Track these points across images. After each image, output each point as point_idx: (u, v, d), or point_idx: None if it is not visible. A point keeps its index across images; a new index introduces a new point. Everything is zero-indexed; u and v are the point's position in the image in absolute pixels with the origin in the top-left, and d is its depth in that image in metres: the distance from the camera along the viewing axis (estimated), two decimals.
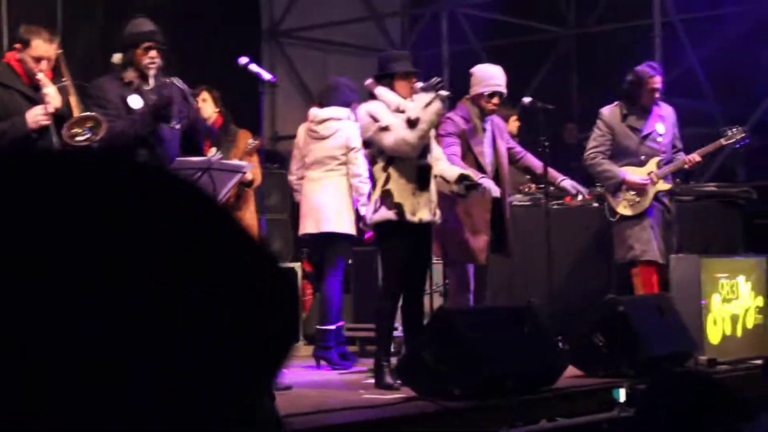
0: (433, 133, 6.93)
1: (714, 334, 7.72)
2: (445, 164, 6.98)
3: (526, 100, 8.20)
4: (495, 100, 7.67)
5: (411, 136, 6.57)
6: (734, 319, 7.92)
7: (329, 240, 8.02)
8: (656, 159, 8.34)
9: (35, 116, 6.16)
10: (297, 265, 10.55)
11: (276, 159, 12.61)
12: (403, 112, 6.68)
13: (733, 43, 13.11)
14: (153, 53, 6.63)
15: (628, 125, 8.37)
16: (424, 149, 6.76)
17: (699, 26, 12.87)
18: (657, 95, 8.39)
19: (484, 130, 7.71)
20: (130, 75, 6.61)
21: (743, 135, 8.51)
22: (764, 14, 13.28)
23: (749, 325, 8.04)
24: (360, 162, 7.67)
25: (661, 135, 8.36)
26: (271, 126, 14.00)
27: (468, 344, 6.06)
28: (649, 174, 8.28)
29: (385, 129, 6.61)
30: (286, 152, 14.01)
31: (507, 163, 7.84)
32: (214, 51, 11.16)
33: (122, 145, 6.40)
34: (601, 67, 13.55)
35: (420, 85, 6.76)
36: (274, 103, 13.86)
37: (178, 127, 6.57)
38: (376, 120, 6.65)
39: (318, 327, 8.11)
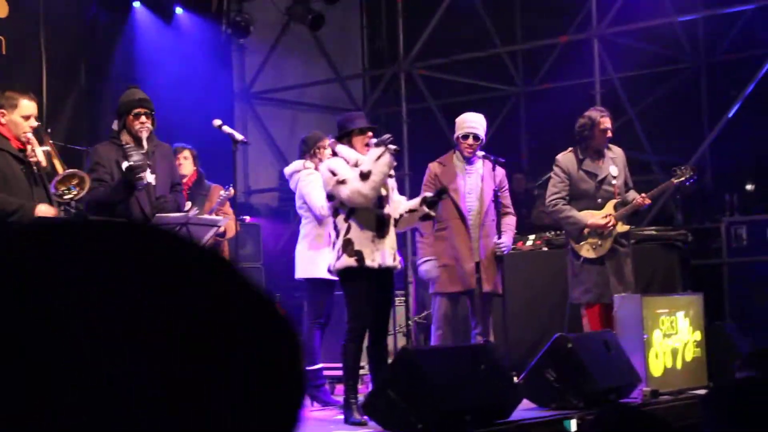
0: (393, 184, 6.96)
1: (656, 367, 7.72)
2: (407, 202, 7.04)
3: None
4: (469, 141, 8.00)
5: (364, 187, 6.61)
6: (674, 353, 7.93)
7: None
8: (613, 201, 8.31)
9: (43, 212, 6.21)
10: None
11: (249, 211, 12.61)
12: None
13: (666, 98, 13.29)
14: (143, 118, 6.85)
15: (584, 170, 8.31)
16: (383, 199, 6.78)
17: (636, 82, 13.03)
18: (608, 136, 8.37)
19: (466, 170, 8.02)
20: (125, 138, 6.85)
21: (691, 173, 8.48)
22: (691, 73, 13.46)
23: (688, 358, 8.05)
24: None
25: (614, 177, 8.34)
26: (245, 180, 13.99)
27: (429, 381, 6.03)
28: (607, 216, 8.26)
29: (342, 182, 6.65)
30: (259, 205, 14.05)
31: (491, 207, 7.96)
32: (191, 112, 11.15)
33: (105, 206, 6.62)
34: (546, 122, 13.68)
35: (374, 140, 6.80)
36: (246, 160, 13.86)
37: (143, 185, 6.68)
38: (335, 174, 6.70)
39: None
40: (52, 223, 1.00)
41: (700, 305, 8.32)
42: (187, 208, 8.46)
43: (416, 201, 6.96)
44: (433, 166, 8.11)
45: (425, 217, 6.95)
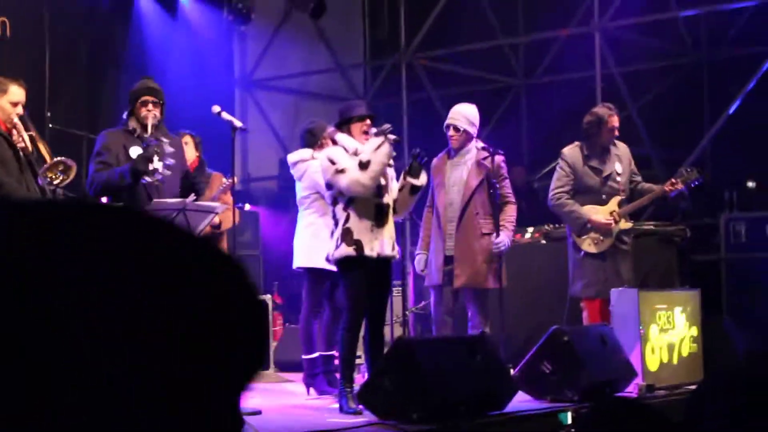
0: (392, 173, 6.95)
1: (652, 361, 7.73)
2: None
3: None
4: (450, 132, 8.01)
5: (363, 177, 6.62)
6: (671, 348, 7.93)
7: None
8: (617, 198, 8.32)
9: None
10: (268, 297, 10.54)
11: (248, 199, 12.61)
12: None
13: (667, 93, 13.27)
14: (150, 106, 6.93)
15: (589, 166, 8.30)
16: (382, 188, 6.78)
17: (637, 77, 13.01)
18: (615, 134, 8.37)
19: (453, 163, 8.02)
20: (133, 124, 6.96)
21: (697, 175, 8.47)
22: (690, 66, 13.45)
23: (684, 353, 8.05)
24: None
25: (619, 174, 8.35)
26: (244, 168, 13.98)
27: (424, 372, 6.04)
28: (611, 213, 8.27)
29: (341, 171, 6.65)
30: (258, 192, 14.04)
31: (478, 200, 7.89)
32: (191, 99, 11.13)
33: (108, 190, 6.71)
34: (547, 115, 13.67)
35: (374, 130, 6.80)
36: (246, 147, 13.85)
37: (159, 178, 6.68)
38: (333, 163, 6.69)
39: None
40: (53, 210, 1.00)
41: (698, 301, 8.32)
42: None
43: (401, 177, 6.95)
44: (435, 160, 8.14)
45: (413, 189, 6.91)
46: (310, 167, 7.66)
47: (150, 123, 6.85)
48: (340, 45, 14.76)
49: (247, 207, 11.78)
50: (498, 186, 7.91)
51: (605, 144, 8.30)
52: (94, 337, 0.93)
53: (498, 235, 7.86)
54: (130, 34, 11.90)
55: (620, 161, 8.38)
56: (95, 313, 0.93)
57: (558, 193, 8.34)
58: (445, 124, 8.08)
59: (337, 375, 7.07)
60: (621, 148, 8.45)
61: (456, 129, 7.96)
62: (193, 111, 10.28)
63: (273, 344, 10.27)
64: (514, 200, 8.07)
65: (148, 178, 6.66)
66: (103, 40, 11.49)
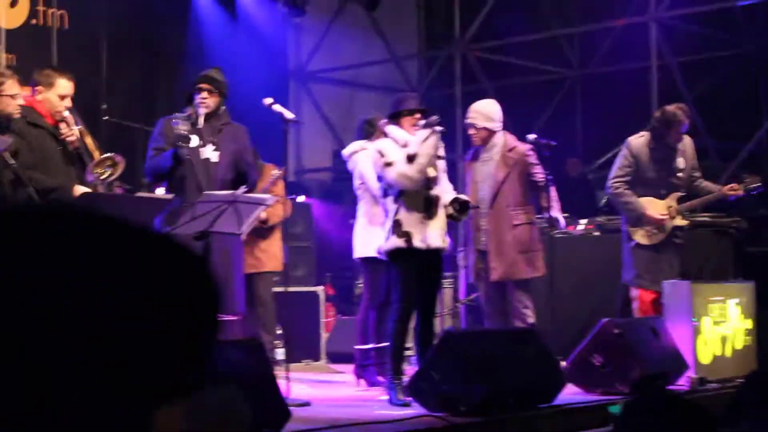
0: (442, 165, 6.94)
1: (704, 354, 7.66)
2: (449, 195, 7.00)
3: (530, 136, 8.15)
4: (470, 131, 7.98)
5: (410, 170, 6.63)
6: (724, 341, 7.85)
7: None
8: (677, 194, 8.27)
9: (80, 192, 6.28)
10: (320, 289, 10.58)
11: (302, 191, 12.64)
12: None
13: (724, 84, 13.11)
14: (204, 94, 7.01)
15: (653, 159, 8.25)
16: (431, 181, 6.78)
17: (693, 67, 12.86)
18: (682, 136, 8.29)
19: (483, 159, 7.96)
20: (189, 111, 7.05)
21: (759, 183, 8.39)
22: (750, 56, 13.27)
23: (738, 346, 7.97)
24: None
25: (681, 170, 8.30)
26: (298, 160, 14.04)
27: (472, 364, 6.04)
28: (668, 208, 8.21)
29: (389, 164, 6.67)
30: (312, 184, 14.08)
31: (507, 191, 7.85)
32: (246, 90, 11.19)
33: (158, 175, 6.85)
34: (602, 106, 13.56)
35: (422, 122, 6.79)
36: (300, 139, 13.90)
37: (189, 150, 6.81)
38: (383, 156, 6.71)
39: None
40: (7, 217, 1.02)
41: (752, 293, 8.23)
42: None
43: (450, 200, 6.90)
44: (466, 159, 8.15)
45: (452, 219, 6.94)
46: (359, 158, 7.68)
47: (201, 112, 6.88)
48: (395, 36, 14.75)
49: (301, 199, 11.80)
50: (530, 174, 7.86)
51: (672, 143, 8.23)
52: (43, 335, 0.94)
53: (550, 216, 7.82)
54: (186, 27, 11.98)
55: (684, 156, 8.31)
56: (45, 309, 0.95)
57: (618, 182, 8.29)
58: (465, 123, 8.08)
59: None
60: (686, 143, 8.38)
61: (474, 128, 7.91)
62: (248, 102, 10.34)
63: (324, 335, 10.31)
64: (549, 181, 7.90)
65: (185, 154, 6.71)
66: (159, 33, 11.57)
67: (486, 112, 7.92)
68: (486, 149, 7.93)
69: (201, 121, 6.90)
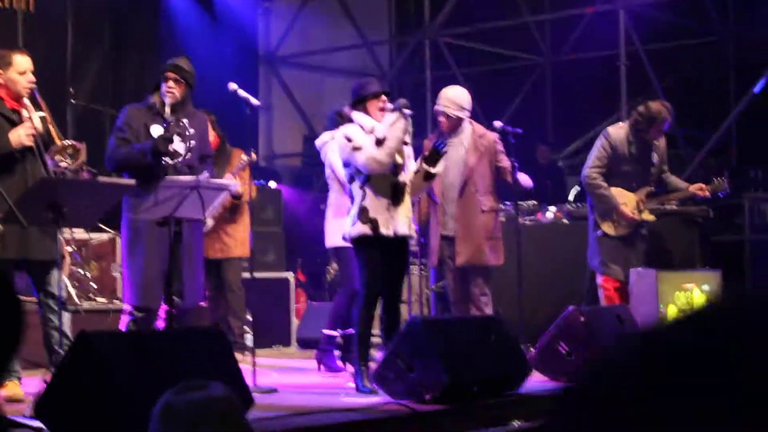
0: (409, 151, 6.90)
1: None
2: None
3: (497, 124, 8.15)
4: (441, 118, 7.93)
5: (380, 154, 6.58)
6: None
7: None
8: (647, 189, 8.29)
9: (18, 136, 6.13)
10: (290, 275, 10.55)
11: (272, 176, 12.59)
12: None
13: (693, 72, 13.15)
14: (171, 84, 6.85)
15: (630, 152, 8.25)
16: (399, 167, 6.74)
17: (662, 54, 12.88)
18: (662, 134, 8.30)
19: (449, 144, 7.75)
20: (154, 100, 6.90)
21: (726, 188, 8.42)
22: (718, 46, 13.31)
23: None
24: None
25: (654, 165, 8.31)
26: (269, 145, 13.99)
27: (436, 351, 6.02)
28: (637, 202, 8.22)
29: (357, 149, 6.62)
30: (283, 169, 14.04)
31: (477, 177, 7.85)
32: (215, 75, 11.12)
33: (126, 167, 6.69)
34: (572, 93, 13.57)
35: (390, 106, 6.75)
36: (270, 124, 13.84)
37: (179, 160, 6.71)
38: (350, 140, 6.66)
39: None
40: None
41: (719, 281, 8.26)
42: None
43: (417, 162, 6.89)
44: (427, 142, 7.97)
45: (427, 176, 6.84)
46: (329, 148, 7.66)
47: (168, 101, 6.79)
48: (365, 22, 14.71)
49: (273, 184, 11.76)
50: (498, 161, 7.91)
51: (651, 139, 8.23)
52: None
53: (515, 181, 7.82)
54: (156, 11, 11.90)
55: (657, 152, 8.33)
56: None
57: (595, 172, 8.27)
58: (435, 109, 8.02)
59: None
60: (661, 139, 8.38)
61: (445, 115, 7.88)
62: (216, 88, 10.28)
63: (295, 321, 10.29)
64: (515, 168, 7.92)
65: (168, 160, 6.65)
66: (125, 16, 11.49)
67: (458, 101, 7.90)
68: (453, 135, 7.91)
69: (167, 110, 6.80)
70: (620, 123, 8.41)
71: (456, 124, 7.90)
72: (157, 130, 6.70)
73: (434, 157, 6.77)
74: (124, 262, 6.82)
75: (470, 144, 7.88)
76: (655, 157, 8.31)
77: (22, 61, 6.31)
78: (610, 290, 8.23)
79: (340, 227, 7.54)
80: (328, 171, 7.83)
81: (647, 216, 8.27)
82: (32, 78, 6.29)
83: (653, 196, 8.34)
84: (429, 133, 12.15)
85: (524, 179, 7.94)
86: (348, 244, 7.46)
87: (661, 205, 8.58)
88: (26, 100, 6.21)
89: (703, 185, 8.37)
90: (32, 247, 6.06)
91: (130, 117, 6.86)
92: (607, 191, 8.21)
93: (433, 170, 6.81)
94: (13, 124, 6.20)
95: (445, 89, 8.05)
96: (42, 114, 6.32)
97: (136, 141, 6.75)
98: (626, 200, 8.21)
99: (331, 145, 7.52)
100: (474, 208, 7.88)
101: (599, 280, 8.36)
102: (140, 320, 6.54)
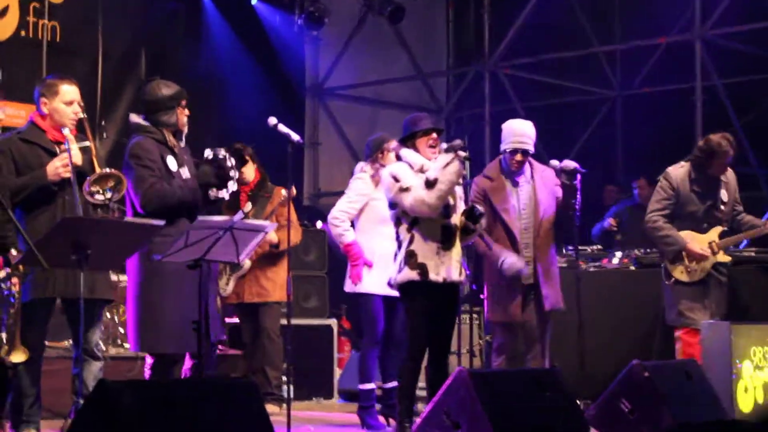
0: (461, 192, 6.88)
1: (745, 401, 7.57)
2: None
3: (554, 162, 7.94)
4: (518, 157, 7.61)
5: (429, 196, 6.56)
6: (766, 387, 7.77)
7: None
8: (719, 228, 8.19)
9: (55, 168, 6.20)
10: (333, 322, 10.56)
11: (318, 216, 12.63)
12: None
13: None
14: (187, 111, 6.66)
15: (695, 191, 8.17)
16: (450, 209, 6.73)
17: (741, 88, 12.81)
18: (727, 168, 8.21)
19: (516, 184, 7.66)
20: (160, 127, 6.58)
21: None
22: None
23: None
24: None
25: (724, 203, 8.21)
26: (314, 182, 14.03)
27: (486, 407, 5.99)
28: (710, 243, 8.14)
29: (406, 190, 6.61)
30: (328, 209, 14.05)
31: (551, 217, 7.71)
32: (260, 109, 11.22)
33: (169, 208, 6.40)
34: (644, 129, 13.51)
35: (444, 145, 6.75)
36: (317, 160, 13.91)
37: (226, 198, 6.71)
38: (397, 180, 6.66)
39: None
40: None
41: None
42: (247, 209, 8.52)
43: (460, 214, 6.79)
44: (481, 182, 7.70)
45: (466, 231, 6.76)
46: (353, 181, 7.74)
47: (185, 131, 6.62)
48: (421, 52, 14.78)
49: (319, 225, 11.79)
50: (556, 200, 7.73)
51: (714, 175, 8.17)
52: None
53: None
54: (193, 39, 12.00)
55: (727, 189, 8.25)
56: None
57: (656, 215, 8.20)
58: (510, 148, 7.61)
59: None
60: (729, 175, 8.30)
61: (525, 153, 7.62)
62: (259, 121, 10.37)
63: (338, 372, 10.29)
64: (576, 212, 7.73)
65: (218, 195, 6.60)
66: (164, 45, 11.58)
67: (534, 136, 7.69)
68: (521, 174, 7.71)
69: (179, 139, 6.66)
70: (681, 162, 8.35)
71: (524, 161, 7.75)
72: (172, 162, 6.54)
73: (476, 218, 6.73)
74: (138, 307, 6.46)
75: (541, 184, 7.70)
76: (724, 195, 8.23)
77: (69, 91, 6.38)
78: (690, 344, 8.09)
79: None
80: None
81: (722, 257, 8.18)
82: (78, 109, 6.37)
83: (726, 235, 8.25)
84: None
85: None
86: (366, 290, 7.49)
87: (736, 245, 8.49)
88: (66, 131, 6.27)
89: None
90: (76, 285, 5.98)
91: (149, 150, 6.48)
92: (671, 231, 8.13)
93: (473, 227, 6.74)
94: (53, 155, 6.29)
95: (510, 122, 7.81)
96: (87, 143, 6.36)
97: (159, 176, 6.44)
98: (696, 241, 8.14)
99: (351, 184, 7.63)
100: (552, 252, 7.72)
101: (677, 332, 8.26)
102: (164, 368, 6.47)
